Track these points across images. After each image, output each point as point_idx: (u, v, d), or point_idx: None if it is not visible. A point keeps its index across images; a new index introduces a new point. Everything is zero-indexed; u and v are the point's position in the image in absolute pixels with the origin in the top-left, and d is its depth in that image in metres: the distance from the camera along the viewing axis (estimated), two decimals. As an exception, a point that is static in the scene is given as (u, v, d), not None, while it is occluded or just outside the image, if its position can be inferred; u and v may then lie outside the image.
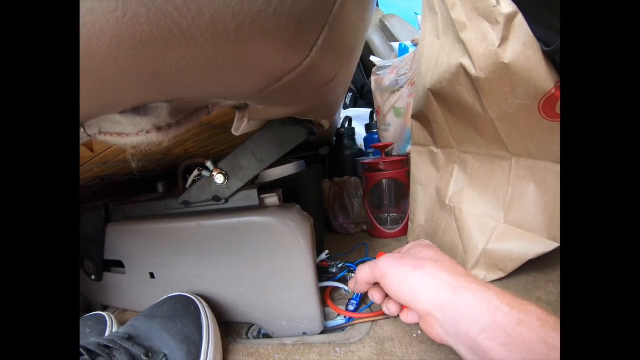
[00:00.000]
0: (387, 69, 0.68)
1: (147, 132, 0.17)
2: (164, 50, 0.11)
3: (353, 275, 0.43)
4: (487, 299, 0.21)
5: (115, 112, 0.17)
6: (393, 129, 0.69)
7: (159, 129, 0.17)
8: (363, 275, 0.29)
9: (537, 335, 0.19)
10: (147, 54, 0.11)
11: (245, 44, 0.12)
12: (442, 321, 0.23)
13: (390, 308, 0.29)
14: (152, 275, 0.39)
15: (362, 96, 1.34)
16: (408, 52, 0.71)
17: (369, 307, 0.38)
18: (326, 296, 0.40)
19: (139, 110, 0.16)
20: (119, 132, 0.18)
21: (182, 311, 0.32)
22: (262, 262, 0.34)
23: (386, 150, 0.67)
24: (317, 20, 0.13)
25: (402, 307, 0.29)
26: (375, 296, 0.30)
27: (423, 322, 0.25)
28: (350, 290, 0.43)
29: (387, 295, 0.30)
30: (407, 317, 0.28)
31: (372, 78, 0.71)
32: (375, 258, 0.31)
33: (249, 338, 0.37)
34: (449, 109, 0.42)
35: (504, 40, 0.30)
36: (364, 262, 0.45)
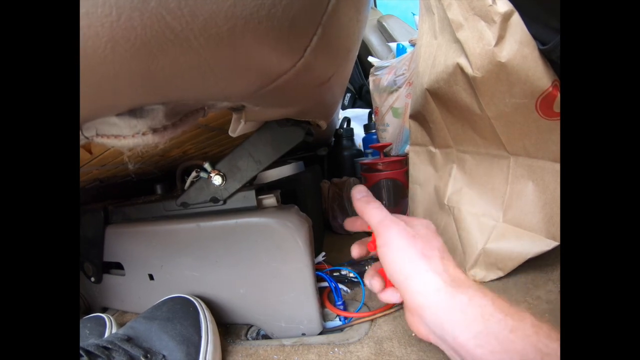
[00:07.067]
0: (385, 70, 0.68)
1: (143, 134, 0.17)
2: (158, 53, 0.12)
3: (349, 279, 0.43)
4: (482, 305, 0.21)
5: (111, 115, 0.17)
6: (391, 129, 0.69)
7: (154, 131, 0.17)
8: (361, 205, 0.27)
9: (530, 342, 0.19)
10: (142, 57, 0.12)
11: (239, 46, 0.12)
12: (429, 322, 0.22)
13: (374, 284, 0.27)
14: (151, 277, 0.39)
15: (361, 97, 1.35)
16: (406, 52, 0.71)
17: (366, 305, 0.38)
18: (324, 297, 0.40)
19: (135, 112, 0.16)
20: (115, 135, 0.18)
21: (181, 312, 0.32)
22: (260, 263, 0.34)
23: (385, 151, 0.67)
24: (311, 21, 0.13)
25: (385, 284, 0.27)
26: (374, 284, 0.28)
27: (409, 314, 0.24)
28: (349, 291, 0.43)
29: (383, 279, 0.27)
30: (387, 296, 0.27)
31: (370, 78, 0.71)
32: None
33: (248, 339, 0.37)
34: (447, 108, 0.42)
35: (500, 39, 0.30)
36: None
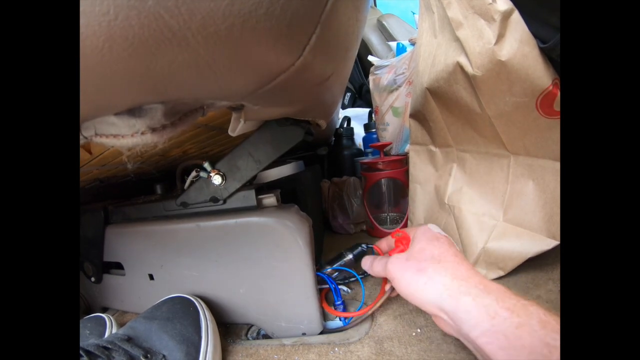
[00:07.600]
0: (385, 69, 0.68)
1: (142, 133, 0.17)
2: (156, 52, 0.12)
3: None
4: (486, 304, 0.22)
5: (110, 114, 0.17)
6: (391, 128, 0.69)
7: (153, 130, 0.17)
8: (376, 272, 0.32)
9: (538, 337, 0.19)
10: (140, 56, 0.11)
11: (237, 45, 0.12)
12: (448, 322, 0.24)
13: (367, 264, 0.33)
14: (151, 277, 0.39)
15: (361, 96, 1.35)
16: (406, 51, 0.71)
17: (366, 305, 0.38)
18: (322, 298, 0.40)
19: (133, 111, 0.16)
20: (114, 134, 0.18)
21: (181, 312, 0.32)
22: (260, 263, 0.34)
23: (385, 150, 0.67)
24: (309, 20, 0.13)
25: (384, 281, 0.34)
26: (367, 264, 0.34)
27: (434, 319, 0.26)
28: (349, 291, 0.43)
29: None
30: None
31: (370, 78, 0.71)
32: (390, 237, 0.35)
33: (248, 339, 0.37)
34: (447, 107, 0.42)
35: (500, 37, 0.30)
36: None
